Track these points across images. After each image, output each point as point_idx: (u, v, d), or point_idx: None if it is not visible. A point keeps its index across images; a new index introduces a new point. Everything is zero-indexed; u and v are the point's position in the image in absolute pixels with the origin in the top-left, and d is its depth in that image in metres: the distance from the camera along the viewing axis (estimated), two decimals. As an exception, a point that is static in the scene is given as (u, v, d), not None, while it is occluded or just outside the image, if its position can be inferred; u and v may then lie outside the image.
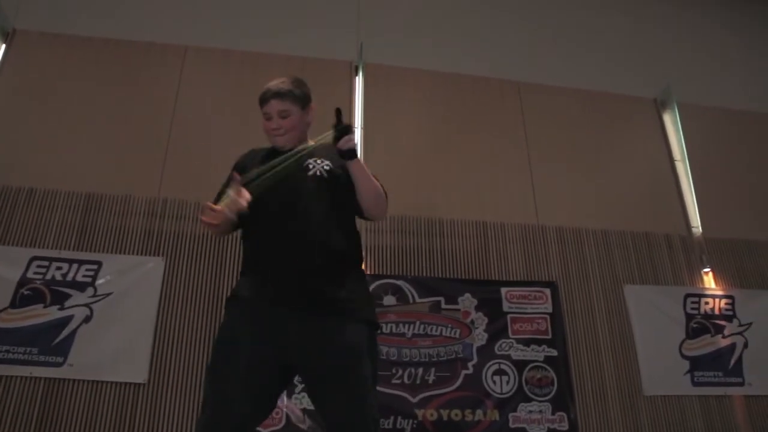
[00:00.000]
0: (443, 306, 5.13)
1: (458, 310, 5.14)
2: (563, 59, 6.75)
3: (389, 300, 5.06)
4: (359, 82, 5.99)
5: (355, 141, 2.05)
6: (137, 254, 4.86)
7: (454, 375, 4.92)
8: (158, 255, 4.88)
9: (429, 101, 6.13)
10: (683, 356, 5.45)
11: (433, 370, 4.90)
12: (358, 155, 2.06)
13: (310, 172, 2.18)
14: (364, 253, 5.11)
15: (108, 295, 4.63)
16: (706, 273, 5.90)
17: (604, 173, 6.13)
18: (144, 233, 4.95)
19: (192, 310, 4.75)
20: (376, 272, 5.16)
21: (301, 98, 2.25)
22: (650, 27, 7.35)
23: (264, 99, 2.23)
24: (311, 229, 2.06)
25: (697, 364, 5.44)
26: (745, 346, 5.63)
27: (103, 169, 5.15)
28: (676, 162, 6.44)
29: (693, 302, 5.68)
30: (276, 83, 2.24)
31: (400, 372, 4.84)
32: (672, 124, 6.61)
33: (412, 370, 4.86)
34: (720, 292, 5.80)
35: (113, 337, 4.50)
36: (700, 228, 6.08)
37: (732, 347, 5.60)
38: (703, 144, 6.57)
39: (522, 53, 6.66)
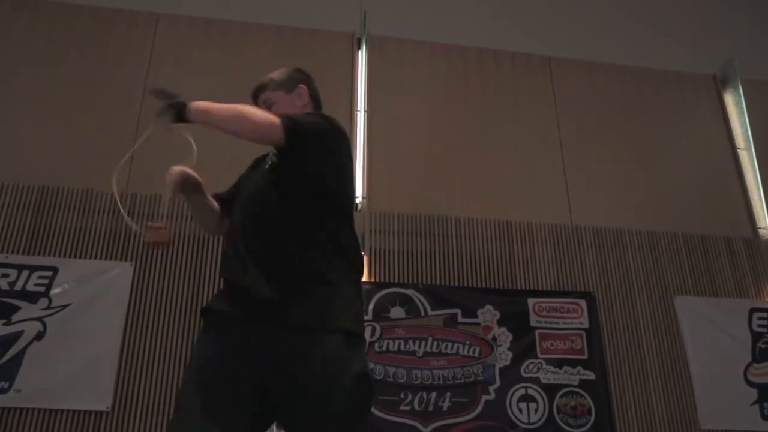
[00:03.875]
0: (460, 320, 5.10)
1: (478, 324, 5.10)
2: (602, 30, 6.71)
3: (397, 312, 5.05)
4: (362, 57, 5.98)
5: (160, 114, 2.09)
6: (100, 259, 4.82)
7: (473, 401, 4.87)
8: (125, 260, 4.85)
9: (444, 80, 6.10)
10: (749, 383, 5.33)
11: (448, 395, 4.85)
12: (186, 108, 2.05)
13: (267, 165, 2.23)
14: (366, 256, 5.11)
15: (65, 307, 4.59)
16: (776, 283, 5.77)
17: (651, 165, 6.07)
18: (109, 234, 4.91)
19: (165, 325, 4.71)
20: (382, 280, 5.14)
21: (284, 82, 2.39)
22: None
23: (252, 99, 2.41)
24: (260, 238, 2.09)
25: (767, 392, 5.31)
26: (827, 371, 5.50)
27: (60, 158, 5.11)
28: (739, 151, 6.34)
29: (761, 318, 5.57)
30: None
31: (410, 397, 4.80)
32: (735, 105, 6.52)
33: (424, 395, 4.82)
34: (793, 306, 5.67)
35: (71, 356, 4.46)
36: (769, 230, 5.98)
37: (811, 373, 5.48)
38: (773, 129, 6.45)
39: (554, 23, 6.63)
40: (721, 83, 6.64)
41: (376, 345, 4.87)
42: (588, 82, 6.31)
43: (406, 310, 5.05)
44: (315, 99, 2.46)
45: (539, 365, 5.04)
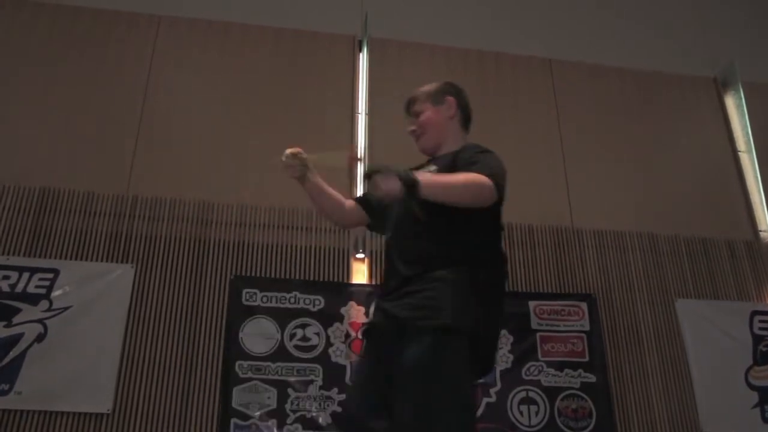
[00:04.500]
0: (462, 322, 5.07)
1: (479, 327, 5.06)
2: (603, 32, 6.71)
3: (397, 315, 5.01)
4: (363, 59, 5.97)
5: (390, 185, 2.10)
6: (101, 261, 4.82)
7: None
8: (126, 262, 4.84)
9: (445, 80, 6.04)
10: (751, 386, 5.34)
11: (448, 398, 4.84)
12: (415, 182, 2.08)
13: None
14: (367, 260, 5.13)
15: (66, 309, 4.59)
16: (777, 286, 5.77)
17: (651, 167, 6.06)
18: (110, 236, 4.91)
19: (166, 327, 4.71)
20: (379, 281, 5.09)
21: (432, 95, 2.53)
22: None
23: (404, 110, 2.61)
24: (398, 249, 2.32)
25: (768, 395, 5.35)
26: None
27: (62, 160, 5.11)
28: (740, 153, 6.35)
29: (762, 321, 5.57)
30: None
31: (410, 400, 4.79)
32: (735, 108, 6.52)
33: (424, 399, 4.81)
34: (795, 309, 5.67)
35: (71, 359, 4.45)
36: (770, 232, 5.99)
37: (812, 376, 5.48)
38: (774, 131, 6.45)
39: (554, 25, 6.63)
40: (721, 85, 6.64)
41: (377, 348, 4.89)
42: (589, 84, 6.30)
43: (405, 312, 5.06)
44: (463, 110, 2.56)
45: (540, 368, 5.05)
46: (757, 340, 5.47)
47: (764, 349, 5.45)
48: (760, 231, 5.99)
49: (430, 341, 2.04)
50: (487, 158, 2.26)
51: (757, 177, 6.16)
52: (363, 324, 2.38)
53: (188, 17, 5.85)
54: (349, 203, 2.64)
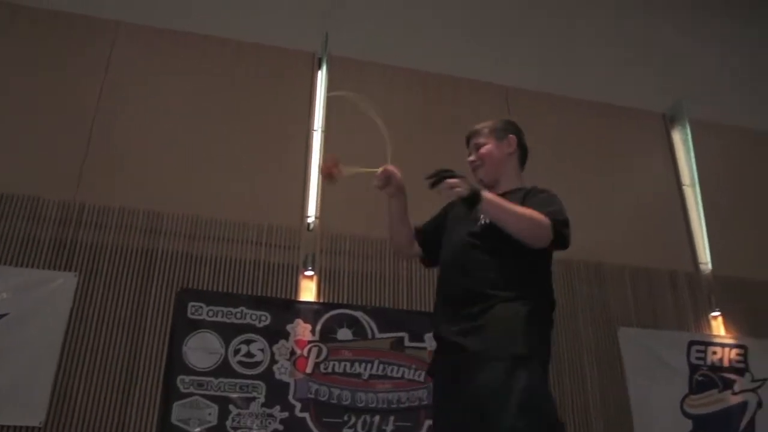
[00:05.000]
0: (407, 343, 5.11)
1: (424, 348, 5.10)
2: (559, 65, 6.86)
3: (344, 334, 5.04)
4: (322, 76, 6.00)
5: (460, 185, 2.25)
6: (44, 268, 4.73)
7: (417, 425, 4.88)
8: (70, 270, 4.76)
9: (402, 104, 6.13)
10: (685, 414, 5.47)
11: (392, 418, 4.86)
12: (479, 192, 2.25)
13: (480, 221, 2.43)
14: (316, 277, 5.14)
15: (2, 316, 4.49)
16: (715, 317, 5.96)
17: (600, 196, 6.17)
18: (54, 243, 4.83)
19: (107, 338, 4.64)
20: (331, 300, 5.15)
21: (495, 130, 2.67)
22: (662, 33, 7.49)
23: (467, 140, 2.75)
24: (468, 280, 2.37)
25: (701, 423, 5.46)
26: (759, 405, 5.68)
27: (6, 164, 5.02)
28: (684, 187, 6.55)
29: (699, 351, 5.72)
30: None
31: (353, 419, 4.80)
32: (682, 143, 6.74)
33: (367, 418, 4.82)
34: (730, 341, 5.85)
35: (6, 368, 4.35)
36: (710, 265, 6.16)
37: (743, 406, 5.65)
38: (717, 168, 6.67)
39: (513, 55, 6.75)
40: (670, 121, 6.85)
41: (322, 366, 4.86)
42: (543, 113, 6.38)
43: (354, 332, 5.04)
44: (522, 149, 2.68)
45: (484, 390, 5.09)
46: (693, 369, 5.62)
47: (700, 379, 5.60)
48: (701, 263, 6.18)
49: (508, 368, 2.13)
50: (558, 205, 2.39)
51: (699, 211, 6.37)
52: (431, 365, 2.51)
53: (148, 25, 5.80)
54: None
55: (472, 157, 2.68)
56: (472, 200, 2.24)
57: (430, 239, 2.71)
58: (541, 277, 2.40)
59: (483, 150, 2.63)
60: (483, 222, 2.41)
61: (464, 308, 2.30)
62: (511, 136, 2.65)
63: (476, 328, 2.24)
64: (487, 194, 2.27)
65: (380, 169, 2.70)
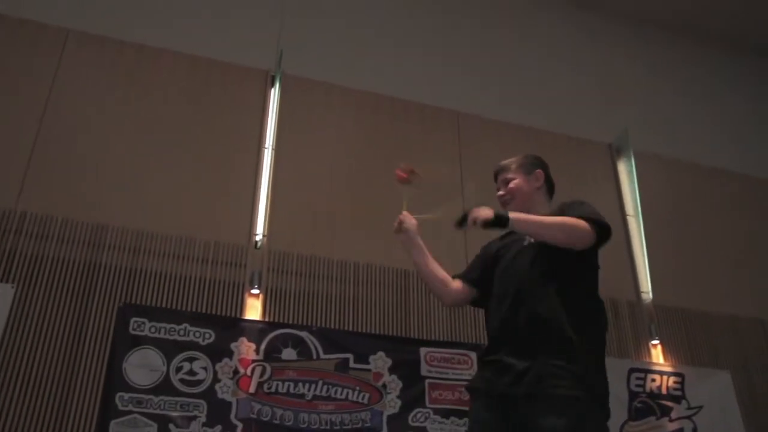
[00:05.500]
0: (352, 365, 5.12)
1: (369, 370, 5.13)
2: (509, 92, 7.03)
3: (289, 354, 5.02)
4: (275, 94, 6.02)
5: (482, 212, 2.41)
6: (-22, 279, 4.61)
7: (359, 448, 4.89)
8: (7, 281, 4.65)
9: (354, 125, 6.21)
10: (624, 441, 5.55)
11: (334, 440, 4.86)
12: (507, 217, 2.40)
13: (528, 252, 2.57)
14: (261, 295, 5.13)
15: (-66, 326, 4.37)
16: (654, 346, 6.12)
17: None
18: (-11, 254, 4.71)
19: (44, 353, 4.53)
20: (276, 320, 5.13)
21: (524, 165, 2.81)
22: (610, 66, 7.75)
23: (494, 175, 2.88)
24: (523, 311, 2.46)
25: (640, 450, 5.55)
26: (694, 432, 5.80)
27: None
28: (628, 217, 6.73)
29: (638, 378, 5.85)
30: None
31: (296, 440, 4.78)
32: (627, 174, 6.92)
33: (310, 439, 4.81)
34: (669, 369, 6.01)
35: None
36: (651, 294, 6.32)
37: (679, 433, 5.76)
38: (660, 199, 6.90)
39: (464, 82, 6.89)
40: (615, 152, 7.04)
41: (265, 386, 4.83)
42: (493, 140, 6.49)
43: (298, 352, 5.03)
44: (549, 183, 2.82)
45: (427, 415, 5.10)
46: (632, 396, 5.75)
47: (639, 405, 5.73)
48: (642, 292, 6.33)
49: (574, 411, 2.22)
50: (586, 206, 2.53)
51: (642, 241, 6.53)
52: (472, 384, 2.60)
53: (99, 34, 5.74)
54: (456, 283, 2.84)
55: (501, 192, 2.80)
56: (500, 220, 2.38)
57: (481, 274, 2.79)
58: (596, 305, 2.53)
59: (512, 185, 2.76)
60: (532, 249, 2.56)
61: (521, 338, 2.44)
62: (538, 170, 2.79)
63: (539, 363, 2.35)
64: (514, 215, 2.41)
65: (436, 217, 2.82)
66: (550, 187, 2.84)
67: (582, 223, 2.40)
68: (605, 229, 2.44)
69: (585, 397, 2.26)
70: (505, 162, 2.88)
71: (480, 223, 2.38)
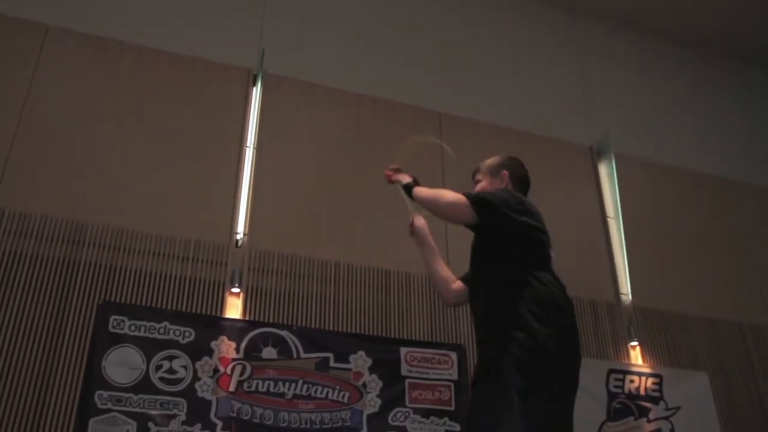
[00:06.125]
0: (332, 364, 5.16)
1: (349, 369, 5.17)
2: (491, 93, 7.12)
3: (269, 353, 5.05)
4: (257, 93, 6.05)
5: (401, 177, 2.95)
6: (-46, 276, 4.60)
7: (339, 447, 4.92)
8: (-20, 279, 4.64)
9: (336, 125, 6.25)
10: (603, 441, 5.64)
11: (314, 439, 4.89)
12: (411, 187, 2.86)
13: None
14: (242, 294, 5.16)
15: None
16: (633, 347, 6.22)
17: None
18: (-35, 251, 4.70)
19: (22, 350, 4.53)
20: (257, 319, 5.17)
21: (492, 168, 2.96)
22: (592, 68, 7.85)
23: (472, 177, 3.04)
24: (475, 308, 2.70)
25: (619, 451, 5.64)
26: (671, 433, 5.90)
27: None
28: (609, 219, 6.83)
29: (617, 379, 5.95)
30: None
31: (275, 439, 4.80)
32: (607, 176, 7.02)
33: (290, 438, 4.84)
34: (647, 370, 6.12)
35: None
36: (630, 296, 6.42)
37: (657, 434, 5.86)
38: (640, 201, 7.02)
39: (446, 83, 6.97)
40: (596, 154, 7.13)
41: (245, 384, 4.86)
42: (475, 140, 6.52)
43: (279, 351, 5.06)
44: (517, 181, 2.91)
45: (407, 414, 5.14)
46: (611, 397, 5.84)
47: (617, 406, 5.82)
48: (621, 293, 6.43)
49: (481, 395, 2.35)
50: (492, 193, 2.67)
51: (622, 242, 6.63)
52: None
53: (79, 31, 5.74)
54: (457, 283, 3.01)
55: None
56: (407, 189, 2.74)
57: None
58: (522, 300, 2.49)
59: (478, 187, 2.91)
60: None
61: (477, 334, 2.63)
62: (504, 172, 2.89)
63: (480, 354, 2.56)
64: (417, 190, 2.79)
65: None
66: (520, 188, 2.91)
67: (461, 199, 2.56)
68: (484, 204, 2.55)
69: (495, 382, 2.32)
70: (480, 164, 3.02)
71: (398, 186, 2.82)
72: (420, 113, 6.58)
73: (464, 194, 2.58)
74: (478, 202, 2.55)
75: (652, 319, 6.40)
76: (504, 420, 2.22)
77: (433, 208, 2.68)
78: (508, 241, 2.60)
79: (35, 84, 5.43)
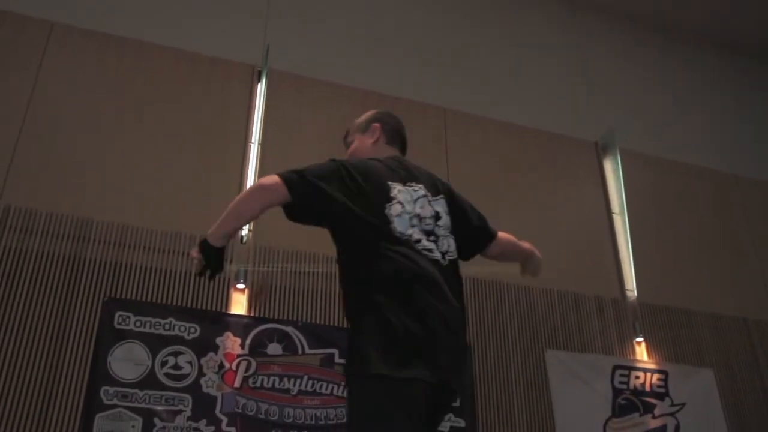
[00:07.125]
0: (337, 360, 5.17)
1: (354, 366, 5.19)
2: (497, 89, 7.15)
3: (274, 349, 5.09)
4: (261, 90, 6.08)
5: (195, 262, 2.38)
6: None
7: (344, 443, 4.96)
8: (-16, 276, 4.68)
9: (341, 121, 6.08)
10: (608, 437, 5.68)
11: (319, 436, 4.91)
12: (204, 240, 2.39)
13: None
14: (247, 290, 5.20)
15: None
16: (639, 343, 6.25)
17: (531, 220, 6.29)
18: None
19: (28, 347, 4.57)
20: (262, 315, 5.20)
21: (360, 124, 2.72)
22: (597, 64, 7.88)
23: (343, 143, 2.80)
24: None
25: (623, 447, 5.68)
26: (677, 429, 5.95)
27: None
28: (614, 215, 6.84)
29: (622, 375, 5.98)
30: None
31: (280, 436, 4.84)
32: (612, 172, 7.04)
33: (295, 435, 4.86)
34: (652, 366, 6.15)
35: None
36: (635, 292, 6.44)
37: (662, 430, 5.91)
38: (645, 197, 7.04)
39: (452, 79, 6.98)
40: (601, 150, 7.15)
41: (250, 380, 4.89)
42: (480, 135, 6.60)
43: (284, 347, 5.08)
44: (389, 133, 2.70)
45: (411, 410, 5.19)
46: (616, 393, 5.87)
47: (622, 402, 5.85)
48: (627, 290, 6.45)
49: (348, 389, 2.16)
50: (313, 165, 2.36)
51: (627, 239, 6.64)
52: None
53: (83, 27, 5.78)
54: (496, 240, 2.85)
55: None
56: (204, 249, 2.36)
57: None
58: (368, 279, 2.25)
59: (350, 149, 2.72)
60: None
61: None
62: (374, 124, 2.68)
63: None
64: (209, 232, 2.35)
65: None
66: (393, 139, 2.70)
67: (266, 179, 2.28)
68: (294, 180, 2.26)
69: (353, 372, 2.13)
70: (348, 125, 2.79)
71: (199, 272, 2.37)
72: (425, 109, 6.61)
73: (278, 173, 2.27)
74: (285, 176, 2.26)
75: (658, 315, 6.43)
76: (370, 411, 2.03)
77: (241, 207, 2.35)
78: (336, 222, 2.39)
79: (40, 81, 5.46)
